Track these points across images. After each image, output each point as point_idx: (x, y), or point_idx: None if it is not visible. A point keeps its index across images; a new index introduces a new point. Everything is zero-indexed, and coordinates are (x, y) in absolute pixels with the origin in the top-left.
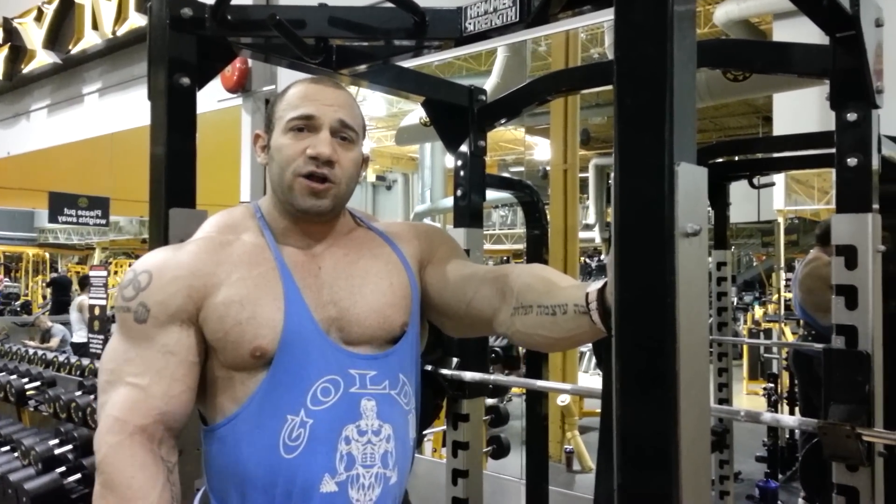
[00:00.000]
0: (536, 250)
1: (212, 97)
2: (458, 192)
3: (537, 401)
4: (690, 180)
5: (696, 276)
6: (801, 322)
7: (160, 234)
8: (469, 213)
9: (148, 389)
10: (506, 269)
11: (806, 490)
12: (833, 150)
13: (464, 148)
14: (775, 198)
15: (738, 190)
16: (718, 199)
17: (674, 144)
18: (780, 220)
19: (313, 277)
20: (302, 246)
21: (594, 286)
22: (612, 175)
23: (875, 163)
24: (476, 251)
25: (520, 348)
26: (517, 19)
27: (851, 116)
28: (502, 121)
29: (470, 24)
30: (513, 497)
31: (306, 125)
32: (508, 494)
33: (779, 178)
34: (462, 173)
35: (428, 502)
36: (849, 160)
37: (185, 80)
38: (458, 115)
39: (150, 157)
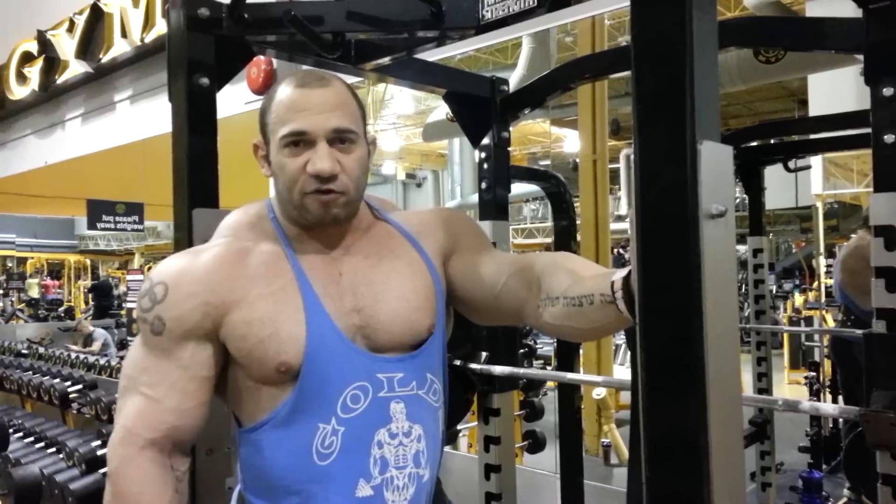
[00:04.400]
0: (564, 242)
1: (239, 100)
2: (483, 185)
3: (570, 394)
4: (714, 159)
5: (723, 259)
6: (841, 307)
7: (185, 236)
8: (494, 206)
9: (160, 402)
10: (531, 259)
11: (850, 480)
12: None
13: (487, 140)
14: (813, 182)
15: (776, 176)
16: (753, 183)
17: (696, 122)
18: (819, 204)
19: (334, 284)
20: (319, 251)
21: (619, 274)
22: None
23: None
24: (503, 244)
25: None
26: (535, 4)
27: (888, 91)
28: (526, 111)
29: (487, 11)
30: (548, 492)
31: (301, 140)
32: (544, 489)
33: (816, 163)
34: (486, 166)
35: (463, 498)
36: (886, 137)
37: (204, 81)
38: (480, 107)
39: (173, 158)
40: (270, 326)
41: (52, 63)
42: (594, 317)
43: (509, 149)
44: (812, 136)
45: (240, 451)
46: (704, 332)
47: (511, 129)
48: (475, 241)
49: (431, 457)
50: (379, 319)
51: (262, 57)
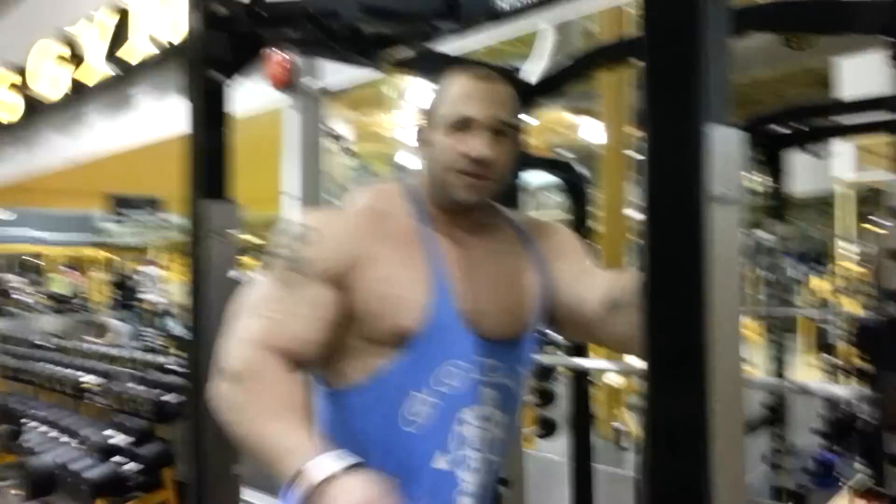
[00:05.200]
0: (580, 231)
1: (258, 95)
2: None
3: (581, 380)
4: (724, 143)
5: (729, 244)
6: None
7: (198, 227)
8: (506, 195)
9: (285, 325)
10: (621, 280)
11: (863, 461)
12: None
13: None
14: (841, 167)
15: (805, 161)
16: (774, 168)
17: (705, 106)
18: (845, 190)
19: (458, 268)
20: (451, 233)
21: None
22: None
23: None
24: None
25: None
26: None
27: None
28: (543, 100)
29: (503, 1)
30: (559, 476)
31: (468, 125)
32: (555, 474)
33: (848, 148)
34: None
35: None
36: None
37: (218, 76)
38: None
39: (187, 151)
40: (397, 287)
41: (80, 63)
42: None
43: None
44: (835, 121)
45: (321, 411)
46: (708, 318)
47: (531, 118)
48: (578, 255)
49: (504, 448)
50: (490, 309)
51: (280, 54)
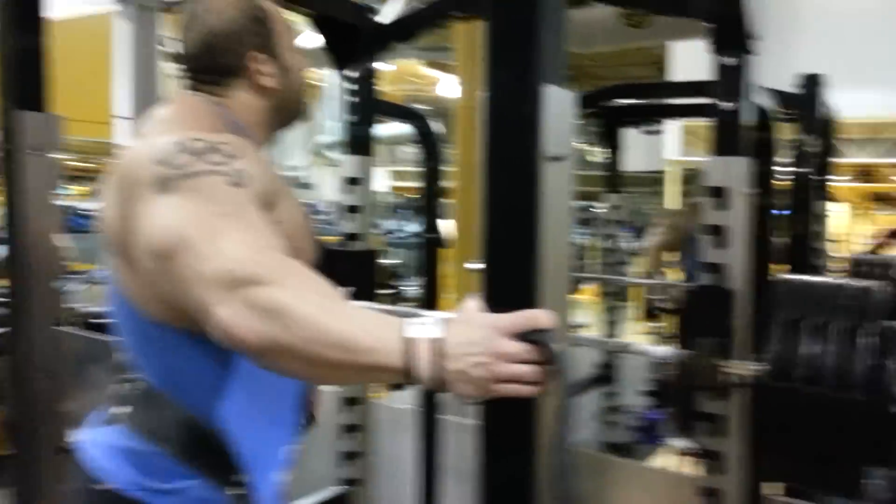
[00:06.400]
0: (432, 186)
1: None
2: (348, 118)
3: None
4: (558, 103)
5: (561, 200)
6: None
7: (7, 140)
8: (359, 141)
9: (267, 238)
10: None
11: (676, 418)
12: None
13: (354, 71)
14: (668, 148)
15: (643, 141)
16: (611, 142)
17: (542, 66)
18: (674, 169)
19: None
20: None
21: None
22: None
23: (748, 109)
24: (366, 181)
25: None
26: None
27: (730, 61)
28: (396, 43)
29: None
30: (408, 425)
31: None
32: (402, 423)
33: (674, 129)
34: (353, 99)
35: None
36: (724, 105)
37: None
38: (348, 35)
39: None
40: (304, 222)
41: None
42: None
43: (386, 87)
44: (669, 101)
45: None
46: (539, 268)
47: (387, 64)
48: None
49: None
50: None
51: None
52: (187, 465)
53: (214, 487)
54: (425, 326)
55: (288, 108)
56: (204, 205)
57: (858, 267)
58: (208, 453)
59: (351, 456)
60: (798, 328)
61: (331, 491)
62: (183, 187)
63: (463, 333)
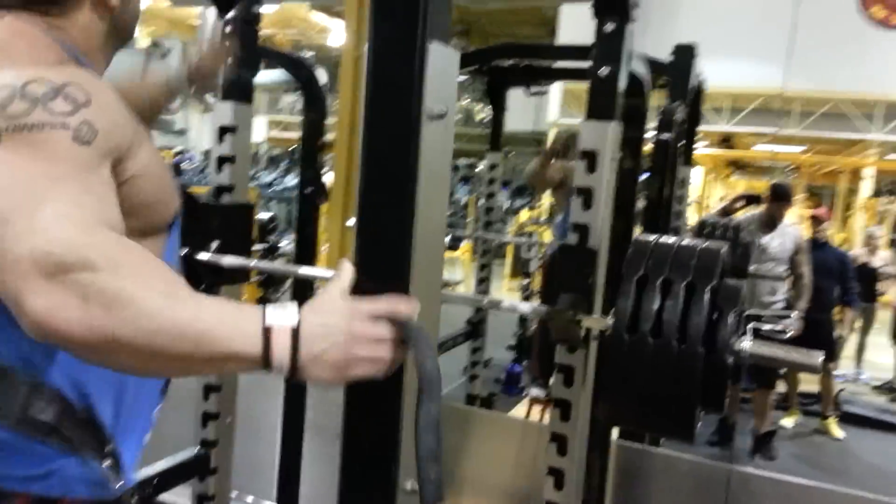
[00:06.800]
0: (313, 138)
1: None
2: (228, 62)
3: (303, 291)
4: (441, 61)
5: (440, 159)
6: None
7: None
8: (238, 87)
9: (101, 207)
10: None
11: (536, 371)
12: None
13: (234, 12)
14: (551, 110)
15: (519, 101)
16: (497, 102)
17: (427, 22)
18: (555, 130)
19: None
20: None
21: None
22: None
23: (624, 75)
24: (244, 130)
25: None
26: None
27: (609, 27)
28: None
29: None
30: (272, 386)
31: None
32: (266, 384)
33: (556, 92)
34: (231, 42)
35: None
36: (601, 70)
37: None
38: None
39: None
40: (164, 170)
41: None
42: None
43: (265, 30)
44: (556, 64)
45: None
46: (414, 226)
47: (271, 7)
48: None
49: None
50: None
51: None
52: (56, 444)
53: (89, 461)
54: (282, 314)
55: (125, 31)
56: (34, 165)
57: (704, 228)
58: (75, 427)
59: (212, 417)
60: (646, 285)
61: (189, 452)
62: (12, 142)
63: (319, 319)
